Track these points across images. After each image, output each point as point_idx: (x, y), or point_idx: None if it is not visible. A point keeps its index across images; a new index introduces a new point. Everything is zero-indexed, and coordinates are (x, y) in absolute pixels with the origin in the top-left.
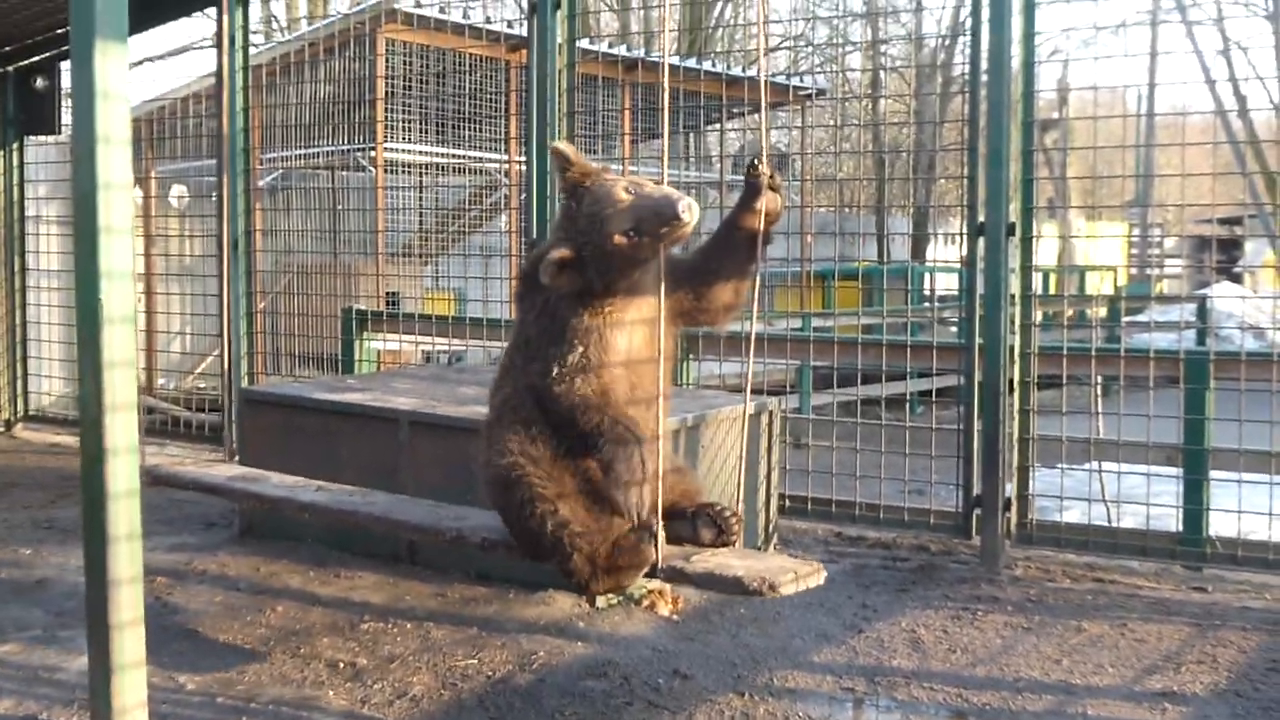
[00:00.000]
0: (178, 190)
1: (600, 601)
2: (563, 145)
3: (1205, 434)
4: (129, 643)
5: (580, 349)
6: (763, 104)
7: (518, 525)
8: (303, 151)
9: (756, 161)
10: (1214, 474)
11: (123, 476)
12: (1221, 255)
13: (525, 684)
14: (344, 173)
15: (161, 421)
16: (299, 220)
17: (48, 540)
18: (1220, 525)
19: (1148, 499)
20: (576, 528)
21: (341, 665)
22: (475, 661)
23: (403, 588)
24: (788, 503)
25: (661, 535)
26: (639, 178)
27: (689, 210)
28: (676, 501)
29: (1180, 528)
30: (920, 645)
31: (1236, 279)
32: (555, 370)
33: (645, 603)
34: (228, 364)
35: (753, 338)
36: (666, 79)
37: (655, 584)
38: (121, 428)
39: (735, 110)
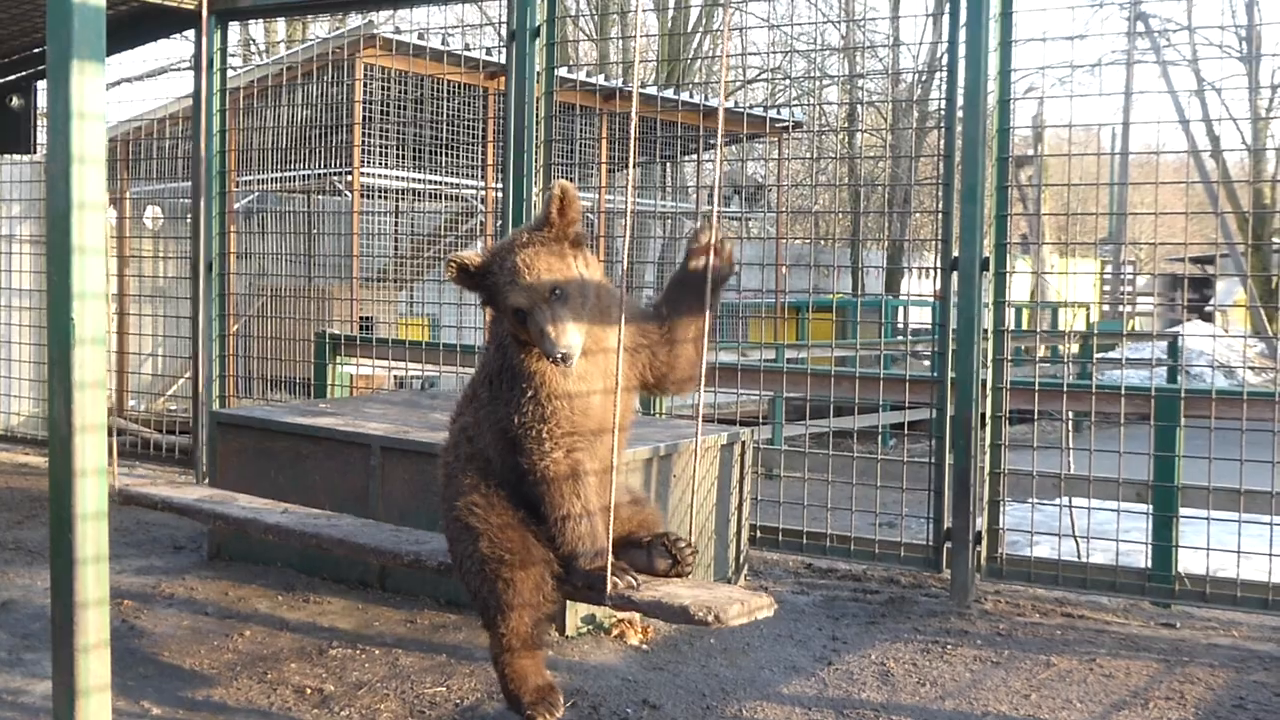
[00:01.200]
0: (152, 211)
1: (570, 629)
2: (570, 191)
3: (1175, 471)
4: (94, 666)
5: (534, 399)
6: (716, 161)
7: (463, 573)
8: (279, 175)
9: (699, 232)
10: (1183, 511)
11: (91, 498)
12: (1193, 294)
13: (494, 712)
14: (320, 196)
15: (131, 443)
16: (274, 243)
17: (14, 561)
18: (1189, 562)
19: (1117, 535)
20: (513, 598)
21: (309, 691)
22: (444, 689)
23: (372, 613)
24: (759, 534)
25: (610, 564)
26: (591, 272)
27: (564, 361)
28: (633, 531)
29: (1149, 564)
30: (890, 678)
31: (1208, 318)
32: (519, 421)
33: (615, 631)
34: (199, 386)
35: (737, 370)
36: (635, 109)
37: (625, 613)
38: (91, 449)
39: (712, 141)
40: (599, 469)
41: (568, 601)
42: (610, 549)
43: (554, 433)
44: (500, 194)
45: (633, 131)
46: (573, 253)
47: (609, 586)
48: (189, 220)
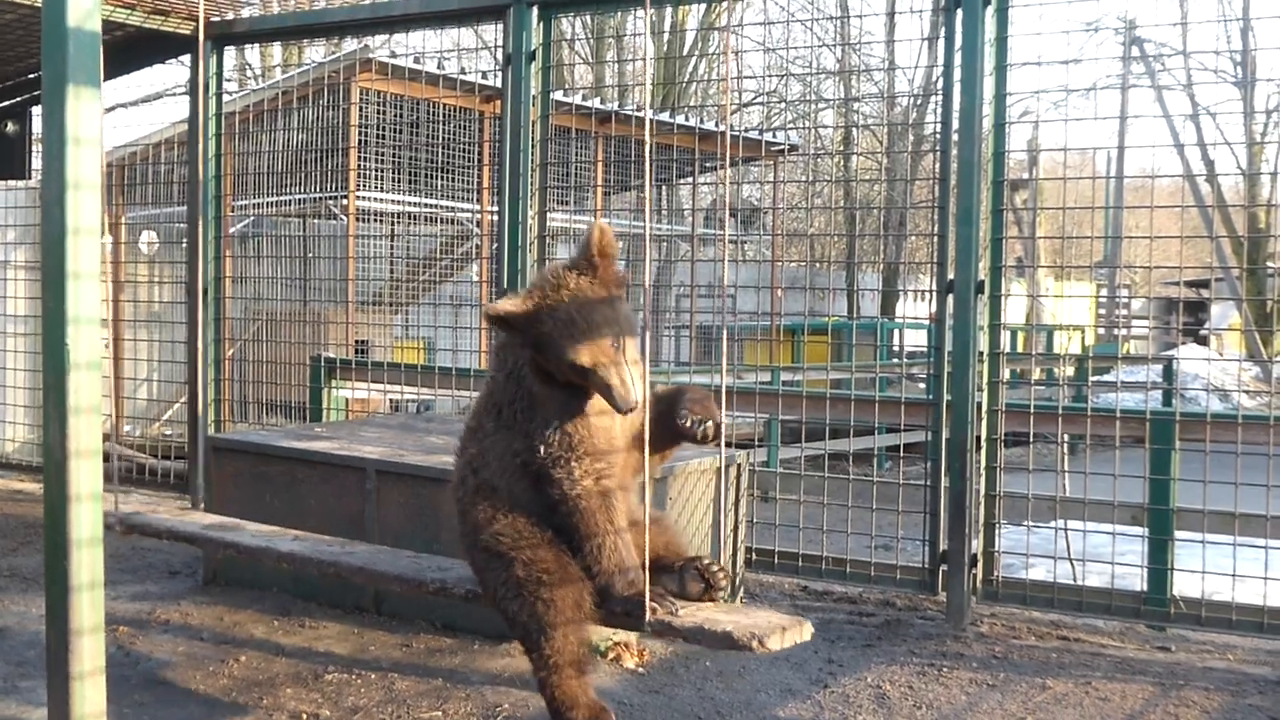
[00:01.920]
0: (148, 236)
1: None
2: (608, 231)
3: (1170, 494)
4: (89, 693)
5: (559, 428)
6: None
7: (499, 601)
8: (275, 199)
9: (689, 417)
10: (1179, 534)
11: (86, 523)
12: (1188, 317)
13: None
14: (316, 220)
15: (127, 469)
16: (269, 267)
17: (9, 588)
18: (1184, 585)
19: (1113, 558)
20: (555, 617)
21: (305, 716)
22: (439, 714)
23: (368, 638)
24: (754, 556)
25: (648, 590)
26: (628, 340)
27: (628, 408)
28: (661, 555)
29: (1145, 587)
30: (886, 701)
31: (1203, 341)
32: (545, 451)
33: (610, 655)
34: (196, 411)
35: (723, 391)
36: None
37: (621, 636)
38: (86, 474)
39: (708, 164)
40: (623, 492)
41: None
42: (647, 573)
43: (582, 460)
44: (496, 217)
45: (648, 153)
46: (617, 294)
47: (647, 613)
48: (184, 245)
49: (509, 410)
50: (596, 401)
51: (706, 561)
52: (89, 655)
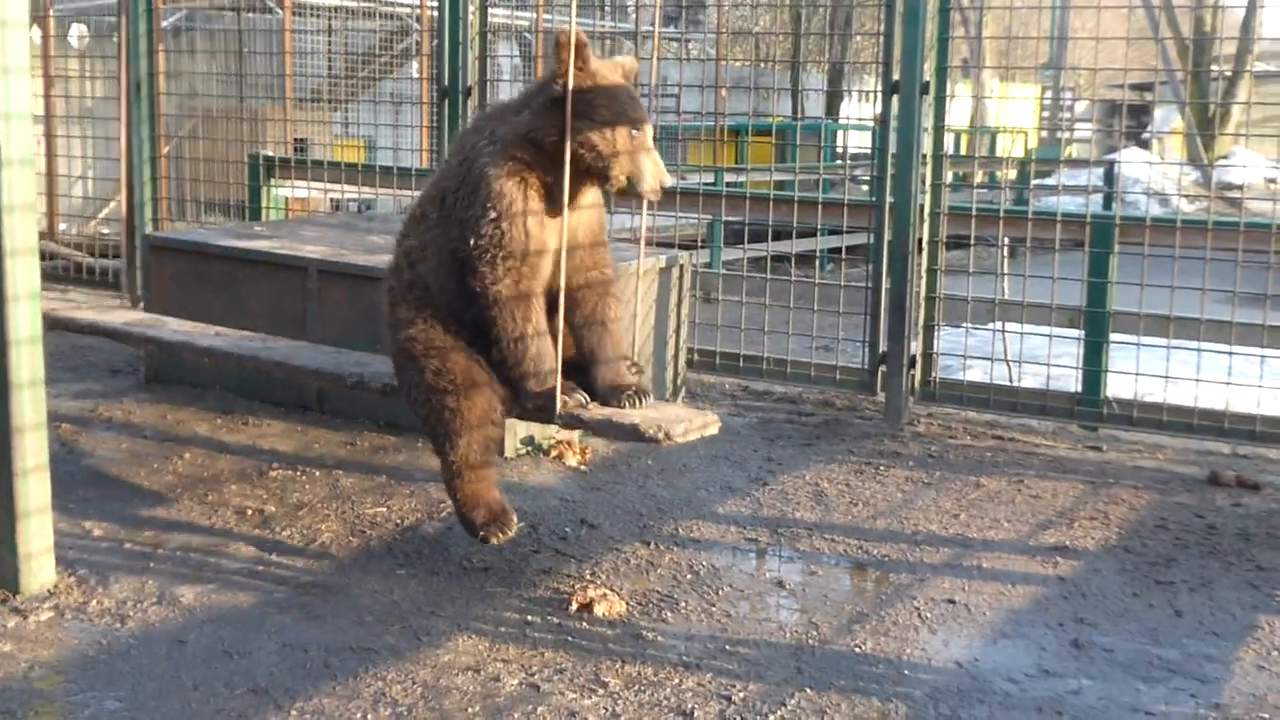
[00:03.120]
0: (78, 30)
1: (509, 451)
2: (578, 39)
3: (1107, 297)
4: (34, 489)
5: (495, 221)
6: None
7: (411, 402)
8: None
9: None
10: (1114, 337)
11: (25, 322)
12: (1131, 121)
13: (434, 532)
14: (250, 14)
15: (63, 267)
16: (204, 63)
17: None
18: (1118, 387)
19: (1048, 360)
20: (460, 425)
21: (250, 512)
22: (384, 509)
23: (311, 436)
24: (696, 357)
25: (559, 385)
26: (640, 115)
27: (656, 193)
28: (596, 354)
29: (1079, 388)
30: (823, 498)
31: (1145, 145)
32: (474, 242)
33: (553, 453)
34: (131, 209)
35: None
36: None
37: (564, 435)
38: (22, 273)
39: None
40: (546, 293)
41: (507, 423)
42: (559, 370)
43: (508, 259)
44: (436, 12)
45: None
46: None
47: (559, 405)
48: (116, 39)
49: (452, 198)
50: (542, 195)
51: (627, 365)
52: (32, 452)
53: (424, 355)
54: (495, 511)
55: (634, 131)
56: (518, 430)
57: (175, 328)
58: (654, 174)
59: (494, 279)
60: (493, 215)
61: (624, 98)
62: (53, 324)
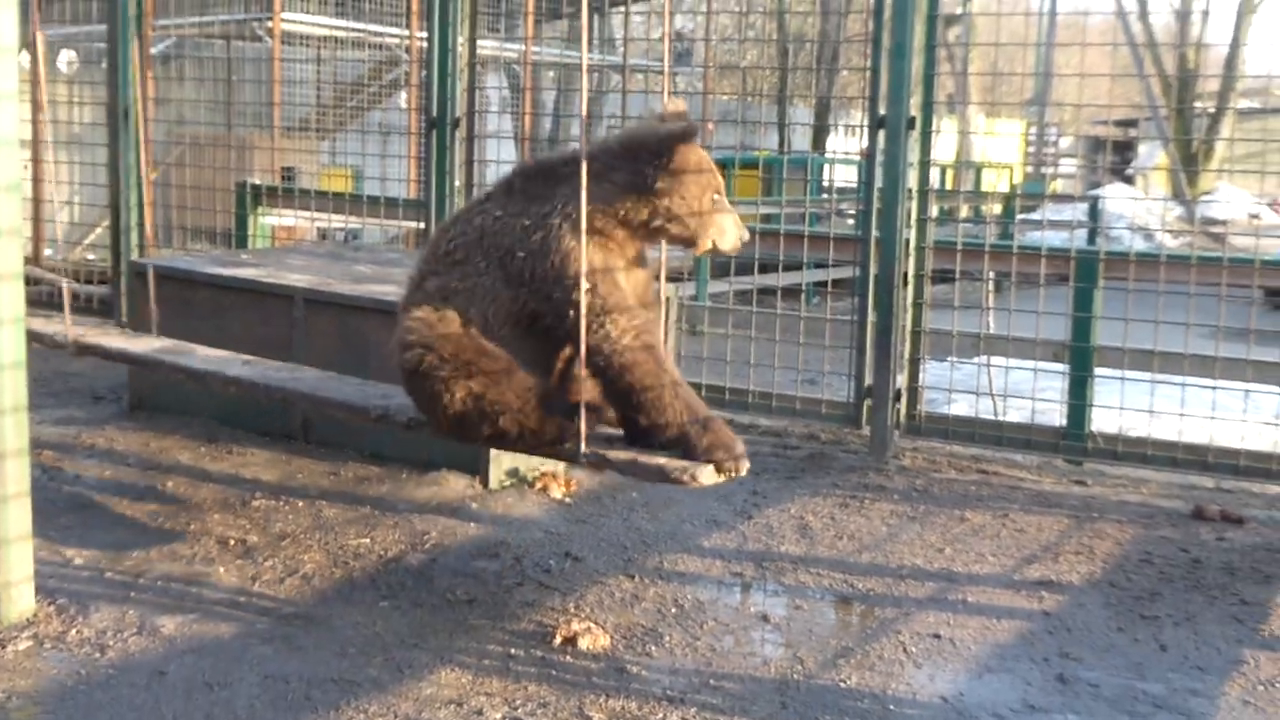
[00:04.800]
0: (67, 55)
1: (493, 482)
2: (684, 109)
3: (1092, 332)
4: (15, 516)
5: (595, 291)
6: None
7: (431, 410)
8: (198, 19)
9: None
10: (1098, 371)
11: (9, 347)
12: (1115, 156)
13: (417, 563)
14: (240, 43)
15: (48, 293)
16: (193, 90)
17: None
18: (1102, 421)
19: (1033, 394)
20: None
21: (232, 542)
22: (368, 540)
23: (295, 465)
24: None
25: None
26: (718, 179)
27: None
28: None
29: (1064, 422)
30: (808, 532)
31: (1129, 180)
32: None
33: (538, 485)
34: (118, 235)
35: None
36: None
37: (549, 466)
38: (6, 298)
39: None
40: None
41: (491, 454)
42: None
43: (620, 318)
44: (425, 43)
45: None
46: None
47: (582, 447)
48: (105, 65)
49: (523, 264)
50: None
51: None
52: (13, 478)
53: (443, 332)
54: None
55: (715, 196)
56: (502, 462)
57: (203, 355)
58: (735, 232)
59: (612, 341)
60: (587, 286)
61: (705, 166)
62: (81, 350)
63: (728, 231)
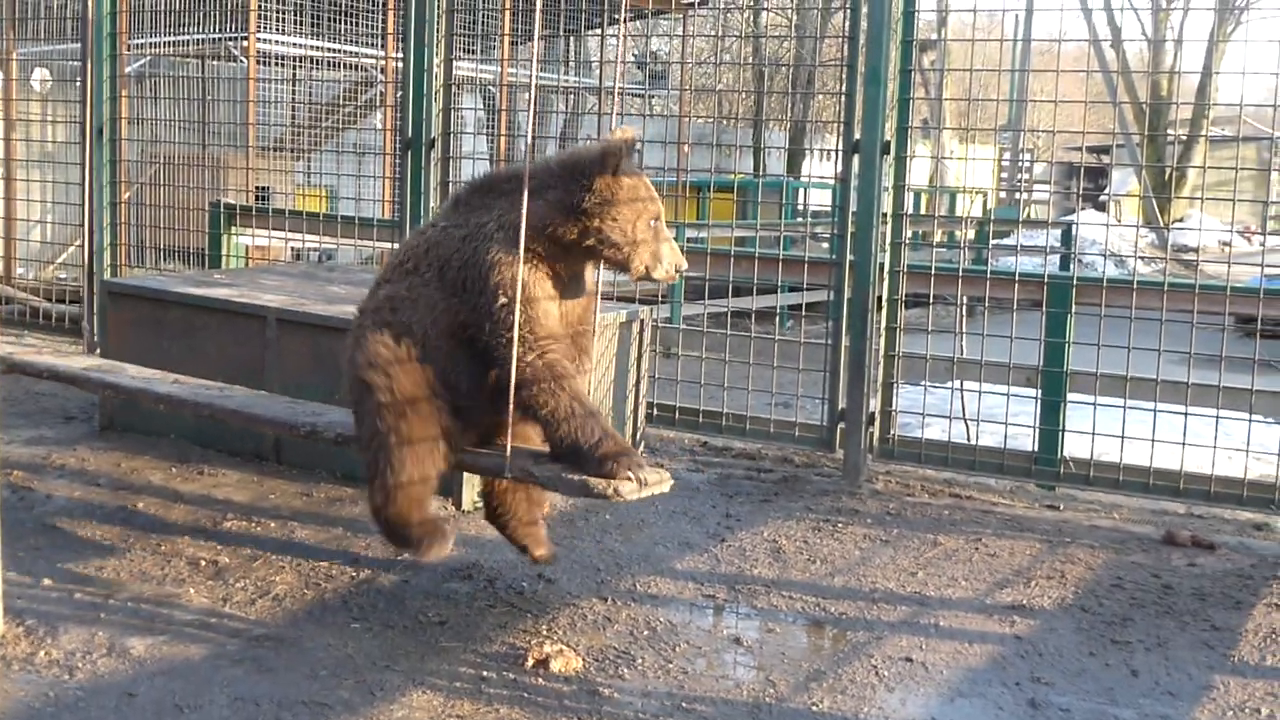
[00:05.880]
0: (41, 74)
1: (465, 504)
2: (631, 137)
3: (1065, 357)
4: None
5: (512, 306)
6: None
7: (364, 415)
8: (173, 39)
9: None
10: (1071, 396)
11: None
12: (1088, 183)
13: (390, 585)
14: (215, 62)
15: (20, 312)
16: (167, 110)
17: None
18: (1075, 446)
19: (1006, 418)
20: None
21: (203, 563)
22: (340, 562)
23: (267, 486)
24: (656, 411)
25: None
26: (658, 206)
27: (672, 278)
28: None
29: (1036, 447)
30: (781, 555)
31: (1102, 207)
32: (490, 328)
33: None
34: (90, 255)
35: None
36: None
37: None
38: None
39: (616, 16)
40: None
41: (465, 476)
42: (511, 427)
43: (541, 337)
44: (400, 64)
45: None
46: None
47: (508, 469)
48: (79, 84)
49: (456, 273)
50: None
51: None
52: None
53: (388, 367)
54: (429, 525)
55: (653, 222)
56: (475, 484)
57: (134, 374)
58: (671, 261)
59: (531, 357)
60: (503, 300)
61: (642, 191)
62: (10, 367)
63: (663, 259)
